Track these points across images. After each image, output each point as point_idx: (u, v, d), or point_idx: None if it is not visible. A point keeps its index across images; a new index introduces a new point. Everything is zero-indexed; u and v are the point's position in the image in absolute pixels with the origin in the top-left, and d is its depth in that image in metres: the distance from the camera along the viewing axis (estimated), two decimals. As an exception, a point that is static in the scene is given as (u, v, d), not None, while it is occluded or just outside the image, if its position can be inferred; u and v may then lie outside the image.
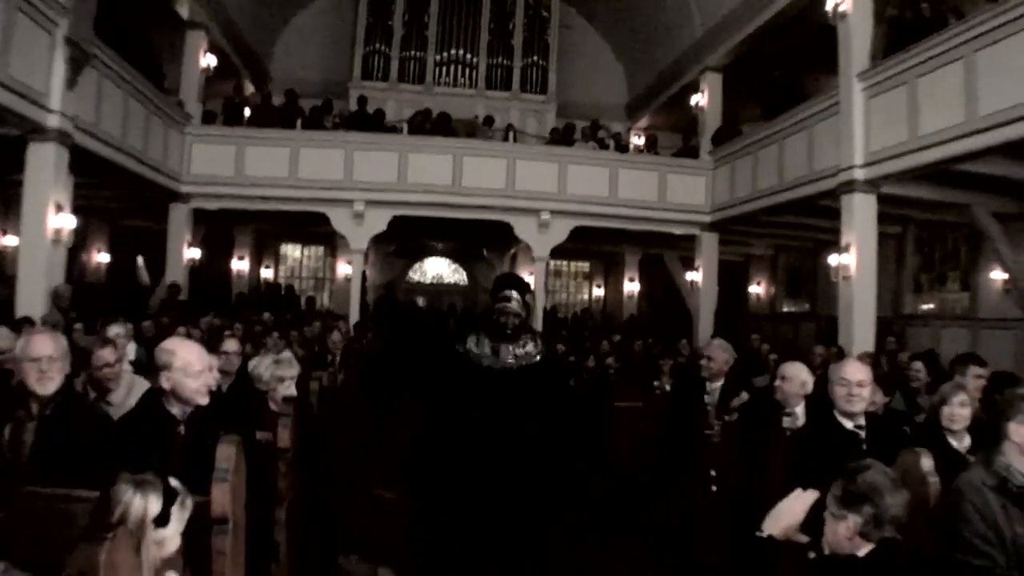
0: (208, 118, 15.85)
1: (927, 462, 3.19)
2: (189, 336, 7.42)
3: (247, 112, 16.68)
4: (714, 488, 5.65)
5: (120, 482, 2.42)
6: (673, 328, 16.03)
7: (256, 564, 3.20)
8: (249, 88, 19.10)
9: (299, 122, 16.10)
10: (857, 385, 4.11)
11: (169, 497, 2.47)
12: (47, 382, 3.55)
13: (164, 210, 15.04)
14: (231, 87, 18.10)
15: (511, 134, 17.38)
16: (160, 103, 13.51)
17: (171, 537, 2.44)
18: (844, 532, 2.49)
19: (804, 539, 2.63)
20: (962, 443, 4.10)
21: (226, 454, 2.82)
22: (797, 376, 5.07)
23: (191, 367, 3.60)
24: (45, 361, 3.54)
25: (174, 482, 2.57)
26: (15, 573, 2.03)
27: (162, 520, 2.42)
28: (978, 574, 2.79)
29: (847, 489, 2.52)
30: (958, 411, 4.14)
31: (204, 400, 3.66)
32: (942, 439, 4.09)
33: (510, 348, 5.01)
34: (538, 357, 5.09)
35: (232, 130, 15.62)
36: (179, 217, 15.07)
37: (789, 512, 2.61)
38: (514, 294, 4.99)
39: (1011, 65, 8.48)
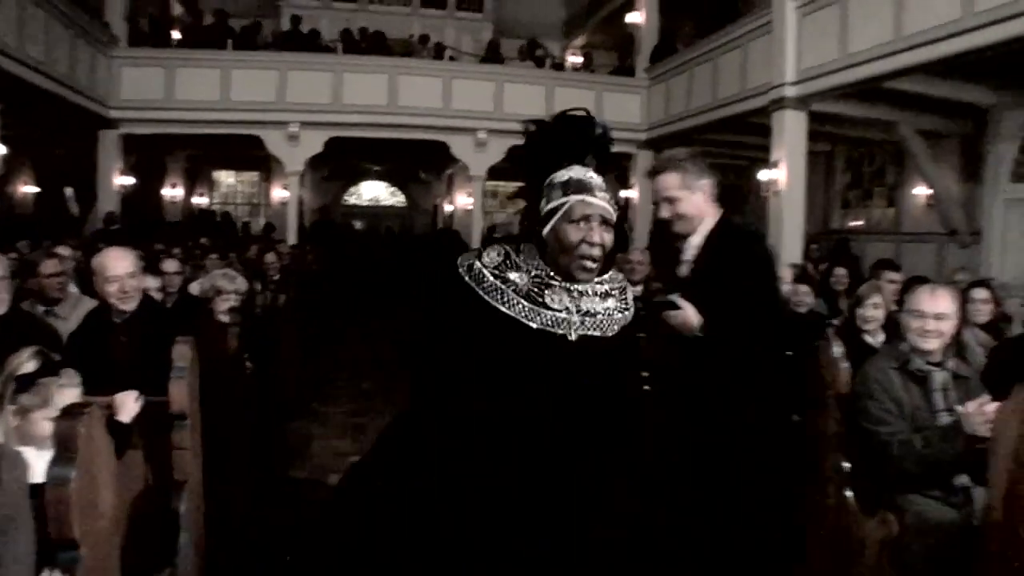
0: (136, 40, 15.40)
1: (838, 349, 3.44)
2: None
3: (176, 34, 16.27)
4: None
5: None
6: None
7: (213, 461, 3.34)
8: (177, 8, 18.55)
9: (230, 43, 15.75)
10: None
11: (46, 369, 2.61)
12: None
13: (92, 137, 14.70)
14: (157, 7, 17.55)
15: (446, 52, 17.23)
16: (85, 24, 13.11)
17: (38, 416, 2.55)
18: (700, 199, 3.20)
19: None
20: (876, 339, 4.39)
21: (181, 353, 2.95)
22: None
23: (105, 271, 3.76)
24: None
25: (68, 369, 2.70)
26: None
27: (21, 384, 2.55)
28: (884, 440, 3.09)
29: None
30: (871, 312, 4.44)
31: (126, 306, 3.79)
32: (858, 336, 4.38)
33: (575, 295, 2.30)
34: (627, 316, 2.40)
35: (161, 52, 15.23)
36: (108, 144, 14.76)
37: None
38: (593, 177, 2.30)
39: (936, -16, 8.73)
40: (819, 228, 15.60)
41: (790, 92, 11.30)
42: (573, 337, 2.25)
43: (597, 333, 2.29)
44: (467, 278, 2.28)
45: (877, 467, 3.10)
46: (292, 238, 15.63)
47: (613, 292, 2.39)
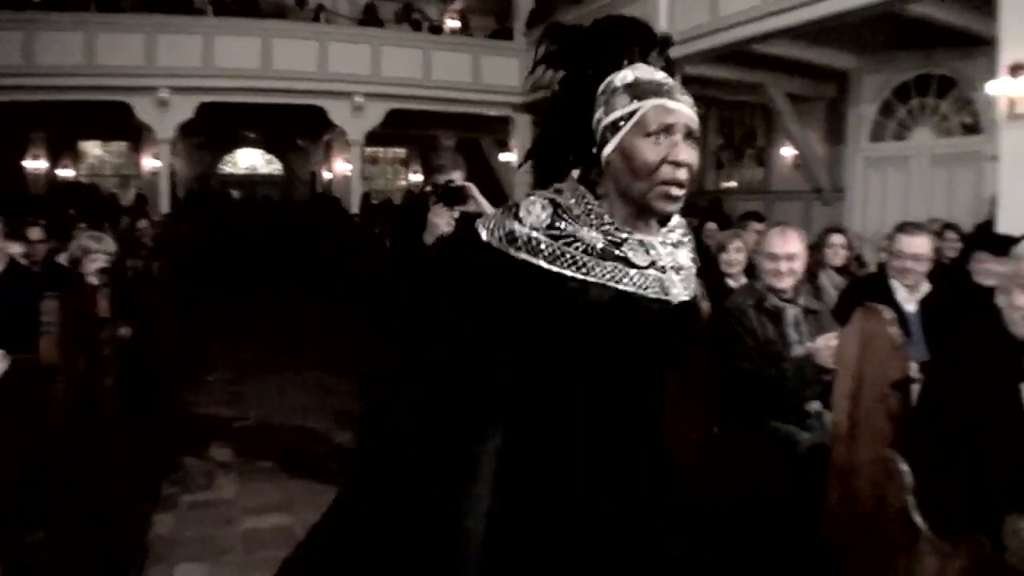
0: (-11, 1, 14.56)
1: (699, 288, 3.61)
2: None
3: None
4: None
5: None
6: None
7: (87, 419, 3.28)
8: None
9: (93, 4, 15.05)
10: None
11: None
12: None
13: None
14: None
15: (322, 15, 16.93)
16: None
17: None
18: None
19: None
20: (738, 283, 4.62)
21: (49, 308, 2.89)
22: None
23: None
24: None
25: None
26: None
27: None
28: (740, 372, 3.29)
29: None
30: (734, 256, 4.69)
31: None
32: (721, 279, 4.61)
33: (654, 248, 1.74)
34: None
35: (18, 14, 14.27)
36: (-38, 114, 13.95)
37: None
38: (668, 78, 1.74)
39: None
40: (695, 188, 16.09)
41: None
42: (675, 298, 1.72)
43: (687, 295, 1.77)
44: (512, 250, 1.67)
45: (738, 397, 3.30)
46: (165, 208, 15.17)
47: (685, 240, 1.84)
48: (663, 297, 1.70)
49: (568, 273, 1.64)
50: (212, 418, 6.60)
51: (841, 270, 5.29)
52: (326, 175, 21.89)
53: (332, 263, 13.53)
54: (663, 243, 1.75)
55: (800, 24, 9.46)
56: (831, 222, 9.42)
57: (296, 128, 20.78)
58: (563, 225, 1.67)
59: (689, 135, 1.66)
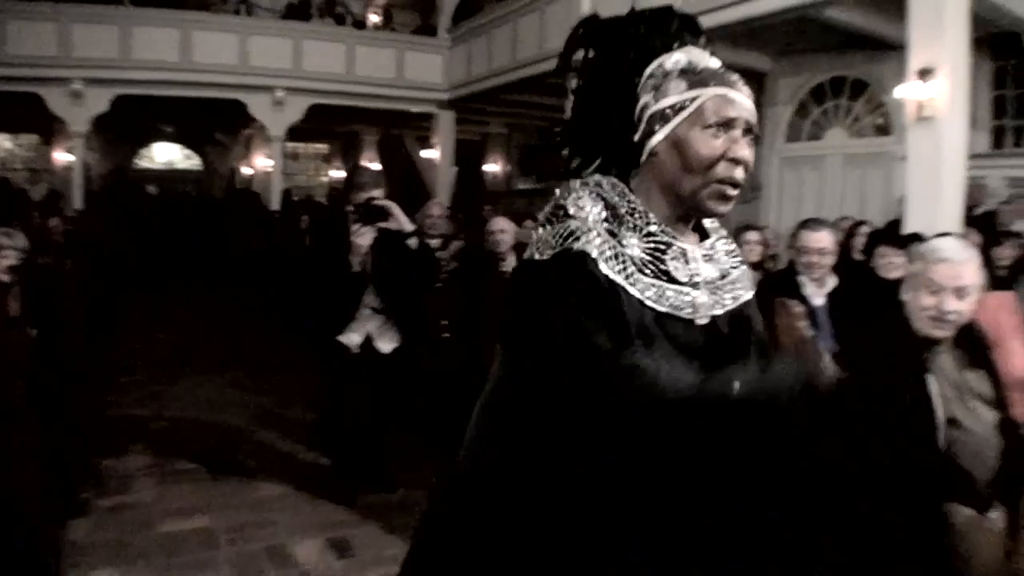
0: None
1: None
2: None
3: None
4: (447, 336, 5.83)
5: None
6: (413, 206, 16.36)
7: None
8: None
9: (2, -9, 14.54)
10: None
11: None
12: None
13: None
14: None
15: (243, 7, 16.65)
16: None
17: None
18: None
19: None
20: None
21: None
22: (509, 228, 5.46)
23: None
24: None
25: None
26: None
27: None
28: None
29: None
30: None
31: None
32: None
33: (695, 259, 1.60)
34: (744, 270, 1.72)
35: (-79, -1, 13.86)
36: None
37: None
38: (718, 64, 1.62)
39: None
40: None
41: (585, 54, 11.66)
42: (703, 320, 1.56)
43: (720, 311, 1.60)
44: (592, 251, 1.46)
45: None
46: (78, 204, 14.74)
47: (720, 246, 1.68)
48: (690, 317, 1.54)
49: (619, 280, 1.47)
50: (128, 419, 6.48)
51: (756, 266, 5.42)
52: (246, 171, 21.53)
53: (251, 261, 13.34)
54: (704, 256, 1.61)
55: (718, 26, 9.63)
56: (748, 220, 9.65)
57: (215, 122, 20.40)
58: (613, 227, 1.52)
59: (748, 130, 1.53)
